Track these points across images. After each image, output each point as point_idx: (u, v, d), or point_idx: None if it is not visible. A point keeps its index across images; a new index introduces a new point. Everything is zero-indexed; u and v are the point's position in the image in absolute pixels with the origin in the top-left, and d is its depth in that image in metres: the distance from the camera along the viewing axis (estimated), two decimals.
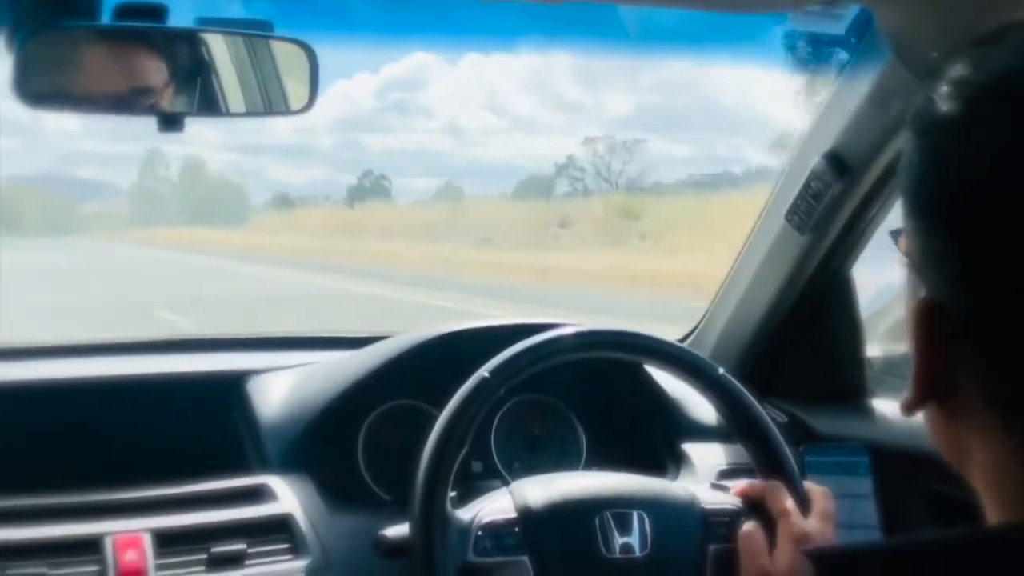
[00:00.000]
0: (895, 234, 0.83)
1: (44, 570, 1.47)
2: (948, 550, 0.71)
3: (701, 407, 1.85)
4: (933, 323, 0.75)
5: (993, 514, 0.75)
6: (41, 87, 1.28)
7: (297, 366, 1.93)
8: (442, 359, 1.68)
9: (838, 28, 1.49)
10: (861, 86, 1.68)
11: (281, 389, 1.85)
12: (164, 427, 1.80)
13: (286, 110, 1.50)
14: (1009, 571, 0.68)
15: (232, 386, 1.87)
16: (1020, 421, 0.71)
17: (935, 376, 0.76)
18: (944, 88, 0.74)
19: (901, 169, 0.77)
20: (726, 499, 1.49)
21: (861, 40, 1.65)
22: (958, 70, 0.74)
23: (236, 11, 1.37)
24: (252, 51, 1.46)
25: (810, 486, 1.45)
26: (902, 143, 0.78)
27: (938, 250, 0.73)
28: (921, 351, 0.76)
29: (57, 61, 1.29)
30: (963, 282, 0.72)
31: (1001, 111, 0.71)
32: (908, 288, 0.79)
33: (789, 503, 1.40)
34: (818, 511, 1.41)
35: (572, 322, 1.64)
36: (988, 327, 0.71)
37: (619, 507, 1.45)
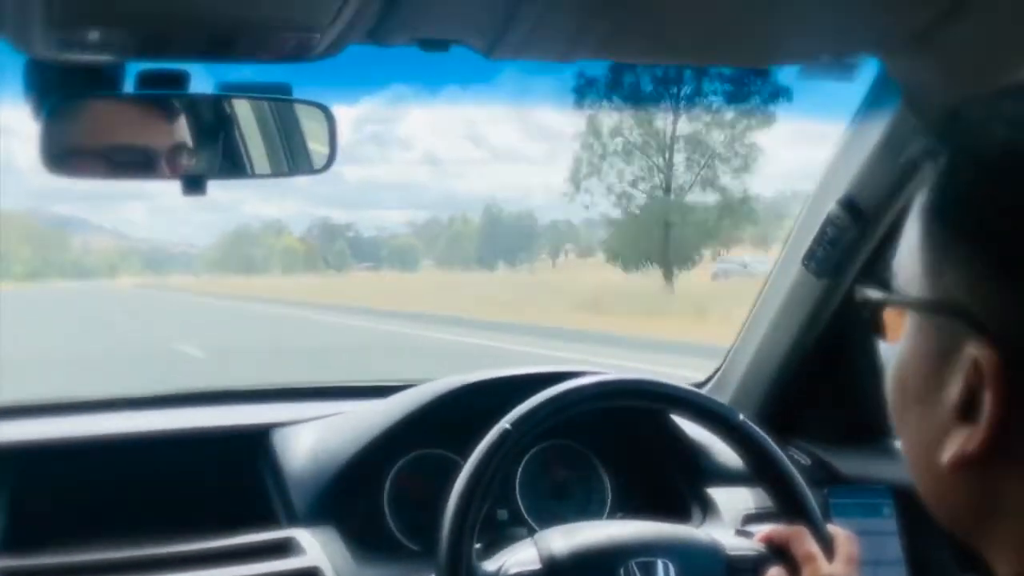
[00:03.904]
0: (873, 303, 0.81)
1: None
2: None
3: (726, 452, 1.85)
4: (1012, 372, 0.69)
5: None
6: (68, 155, 1.31)
7: (322, 417, 1.94)
8: (467, 408, 1.69)
9: (849, 77, 1.50)
10: (873, 133, 1.70)
11: (306, 441, 1.86)
12: (191, 482, 1.81)
13: (309, 169, 1.52)
14: None
15: (258, 439, 1.88)
16: None
17: (1014, 426, 0.70)
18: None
19: (949, 207, 0.74)
20: (750, 545, 1.48)
21: (872, 88, 1.67)
22: None
23: (255, 75, 1.39)
24: (275, 113, 1.48)
25: (835, 530, 1.44)
26: (926, 184, 0.76)
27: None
28: (1003, 401, 0.69)
29: (83, 130, 1.32)
30: None
31: None
32: (922, 336, 0.76)
33: (814, 548, 1.38)
34: (843, 555, 1.39)
35: (594, 370, 1.66)
36: None
37: (644, 556, 1.45)
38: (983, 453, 0.71)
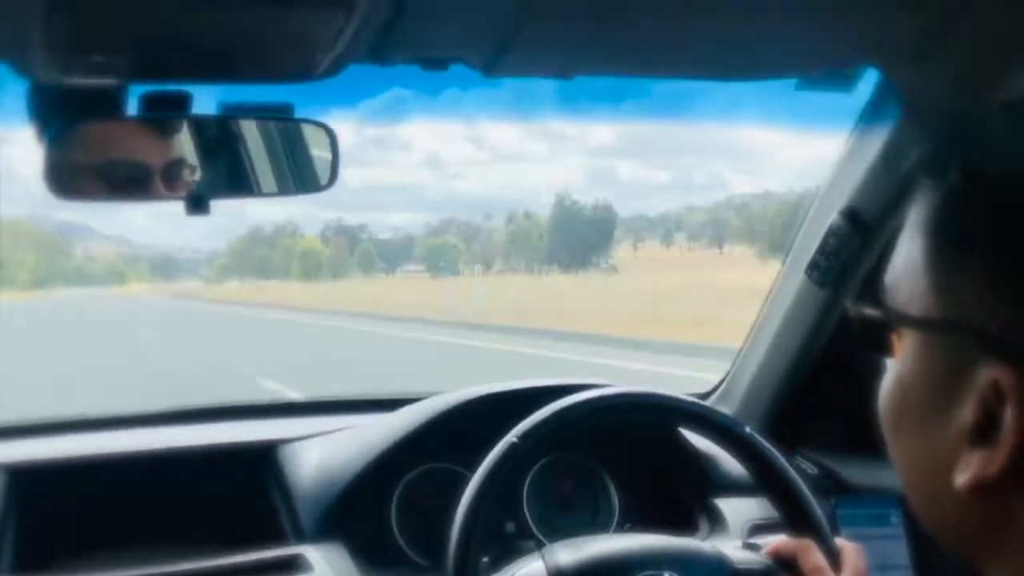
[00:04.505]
0: (873, 323, 0.78)
1: None
2: None
3: (732, 462, 1.85)
4: None
5: None
6: (72, 180, 1.32)
7: (328, 432, 1.94)
8: (473, 422, 1.69)
9: (849, 87, 1.50)
10: (874, 143, 1.70)
11: (313, 457, 1.86)
12: (198, 499, 1.81)
13: (315, 187, 1.52)
14: None
15: (265, 455, 1.88)
16: None
17: None
18: None
19: (960, 224, 0.72)
20: (757, 558, 1.48)
21: (872, 98, 1.67)
22: None
23: (258, 94, 1.39)
24: (280, 132, 1.48)
25: (842, 543, 1.43)
26: (928, 200, 0.74)
27: None
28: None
29: (87, 155, 1.32)
30: None
31: None
32: (927, 356, 0.74)
33: (821, 561, 1.37)
34: (850, 568, 1.38)
35: (601, 382, 1.66)
36: None
37: (650, 569, 1.45)
38: (1001, 476, 0.69)
